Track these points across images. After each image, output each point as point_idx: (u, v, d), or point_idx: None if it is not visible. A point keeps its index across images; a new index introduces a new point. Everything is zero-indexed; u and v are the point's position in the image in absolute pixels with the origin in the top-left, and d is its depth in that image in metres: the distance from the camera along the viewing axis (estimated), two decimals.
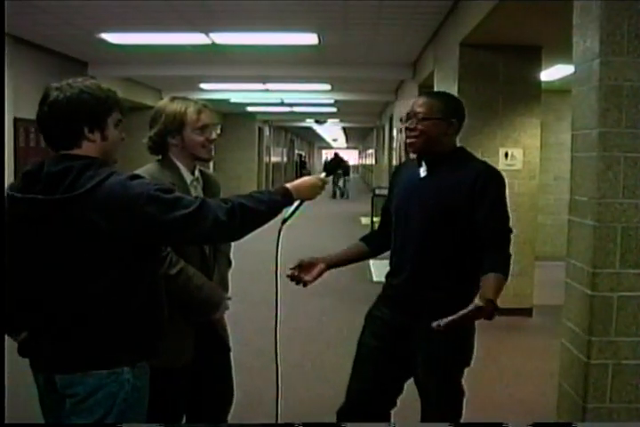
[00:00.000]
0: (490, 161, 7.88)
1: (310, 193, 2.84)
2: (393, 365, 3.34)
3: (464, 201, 3.16)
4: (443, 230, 3.20)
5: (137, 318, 2.56)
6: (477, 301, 2.98)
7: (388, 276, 3.42)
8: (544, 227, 11.05)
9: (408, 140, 3.31)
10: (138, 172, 3.15)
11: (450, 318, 2.90)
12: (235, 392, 3.64)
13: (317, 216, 17.61)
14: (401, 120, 3.33)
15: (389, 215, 3.47)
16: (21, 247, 2.52)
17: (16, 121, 9.89)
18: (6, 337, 2.68)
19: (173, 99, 3.34)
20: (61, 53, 11.44)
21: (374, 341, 3.37)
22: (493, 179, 3.27)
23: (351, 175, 34.05)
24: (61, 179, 2.42)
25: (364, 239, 3.62)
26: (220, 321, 3.48)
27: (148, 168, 3.31)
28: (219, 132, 3.44)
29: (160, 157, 3.38)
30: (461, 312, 2.91)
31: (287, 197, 2.69)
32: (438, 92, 3.58)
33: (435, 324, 2.90)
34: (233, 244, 3.48)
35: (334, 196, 29.99)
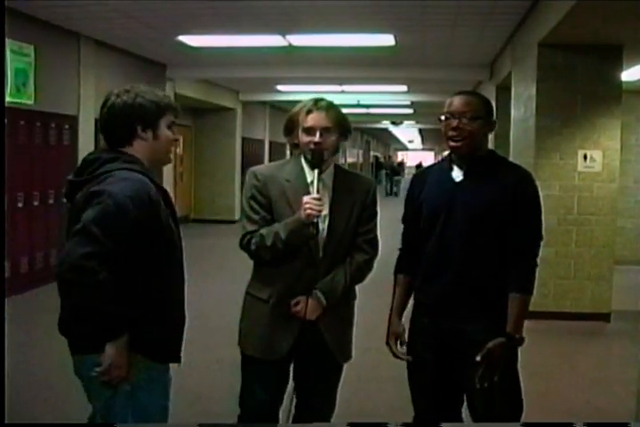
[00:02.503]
0: (568, 164, 7.82)
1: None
2: (452, 373, 3.28)
3: (508, 205, 3.11)
4: (488, 234, 3.13)
5: (143, 316, 2.65)
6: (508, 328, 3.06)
7: (423, 282, 3.30)
8: (623, 230, 10.82)
9: (454, 143, 3.13)
10: (256, 166, 3.42)
11: (480, 371, 3.00)
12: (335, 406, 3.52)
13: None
14: (440, 120, 3.17)
15: (416, 226, 3.32)
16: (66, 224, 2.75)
17: (97, 122, 10.12)
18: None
19: (307, 100, 3.34)
20: (141, 56, 11.67)
21: (428, 354, 3.28)
22: (534, 185, 3.21)
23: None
24: (90, 165, 2.72)
25: (403, 271, 3.41)
26: (326, 324, 3.33)
27: (266, 165, 3.56)
28: (333, 138, 3.26)
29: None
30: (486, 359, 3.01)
31: None
32: (472, 91, 3.44)
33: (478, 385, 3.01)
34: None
35: (388, 193, 33.08)
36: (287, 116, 3.34)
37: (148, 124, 2.75)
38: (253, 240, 3.20)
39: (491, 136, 3.36)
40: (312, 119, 3.22)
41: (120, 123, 2.75)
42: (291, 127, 3.31)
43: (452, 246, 3.16)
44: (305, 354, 3.33)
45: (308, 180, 3.28)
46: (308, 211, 3.09)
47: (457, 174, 3.21)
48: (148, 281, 2.67)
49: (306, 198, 3.12)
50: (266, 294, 3.28)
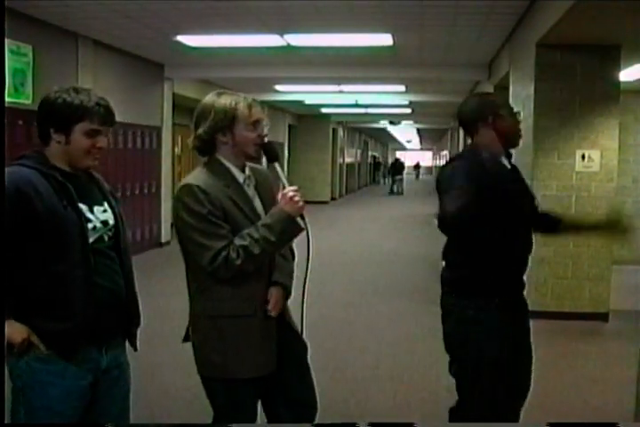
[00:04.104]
0: (566, 163, 7.82)
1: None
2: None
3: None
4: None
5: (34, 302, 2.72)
6: None
7: (507, 279, 3.33)
8: None
9: (520, 134, 3.43)
10: (188, 180, 3.03)
11: None
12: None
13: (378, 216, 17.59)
14: (518, 114, 3.44)
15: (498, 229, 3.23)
16: None
17: None
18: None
19: (221, 94, 3.12)
20: (139, 56, 11.64)
21: (506, 351, 3.28)
22: None
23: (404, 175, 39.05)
24: None
25: None
26: (288, 315, 3.30)
27: (197, 176, 3.07)
28: (266, 131, 3.18)
29: (205, 159, 3.16)
30: None
31: None
32: None
33: None
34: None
35: (391, 192, 35.19)
36: (220, 114, 3.04)
37: (59, 128, 2.75)
38: (233, 255, 2.92)
39: None
40: (258, 112, 3.09)
41: (38, 122, 2.81)
42: (229, 125, 3.05)
43: (527, 234, 3.38)
44: (279, 351, 3.20)
45: (240, 180, 3.11)
46: (301, 203, 2.98)
47: (505, 163, 3.40)
48: (32, 270, 2.71)
49: (291, 193, 2.96)
50: (249, 308, 3.05)
